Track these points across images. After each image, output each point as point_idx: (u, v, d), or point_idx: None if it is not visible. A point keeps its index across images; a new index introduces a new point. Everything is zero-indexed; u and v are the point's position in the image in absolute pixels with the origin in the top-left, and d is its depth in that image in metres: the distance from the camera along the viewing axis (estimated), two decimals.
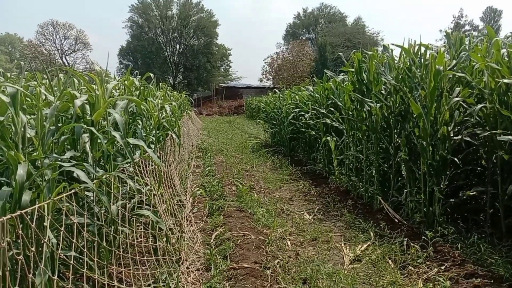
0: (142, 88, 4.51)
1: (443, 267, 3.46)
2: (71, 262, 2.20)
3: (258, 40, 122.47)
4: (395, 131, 4.97)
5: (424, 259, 3.64)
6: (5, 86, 2.36)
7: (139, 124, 4.20)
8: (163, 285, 3.10)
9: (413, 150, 4.66)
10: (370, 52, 5.24)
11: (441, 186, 4.17)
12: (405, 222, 4.56)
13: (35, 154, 2.41)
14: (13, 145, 2.21)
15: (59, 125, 2.78)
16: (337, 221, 5.06)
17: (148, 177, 3.76)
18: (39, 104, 2.41)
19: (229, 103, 43.98)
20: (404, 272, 3.51)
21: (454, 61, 4.27)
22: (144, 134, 4.08)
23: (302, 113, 8.86)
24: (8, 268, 1.75)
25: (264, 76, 49.60)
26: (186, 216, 4.99)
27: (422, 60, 4.48)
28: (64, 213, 2.22)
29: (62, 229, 2.14)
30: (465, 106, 4.17)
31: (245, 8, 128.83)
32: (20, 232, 1.82)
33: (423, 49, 4.58)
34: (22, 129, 2.27)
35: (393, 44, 5.16)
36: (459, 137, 4.05)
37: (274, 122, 11.72)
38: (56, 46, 51.42)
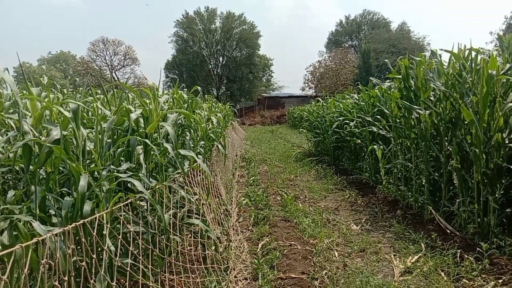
0: (190, 101, 4.66)
1: (500, 281, 3.29)
2: (127, 269, 2.31)
3: (300, 49, 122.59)
4: (446, 138, 4.81)
5: (479, 272, 3.48)
6: (67, 102, 2.54)
7: (187, 136, 4.33)
8: None
9: (465, 158, 4.49)
10: (417, 58, 5.12)
11: (496, 195, 3.98)
12: (457, 233, 4.39)
13: (93, 166, 2.56)
14: (74, 158, 2.36)
15: (115, 138, 2.93)
16: (386, 232, 4.94)
17: (197, 187, 3.87)
18: (98, 118, 2.56)
19: (271, 112, 44.20)
20: (458, 285, 3.37)
21: (508, 65, 4.08)
22: (192, 145, 4.20)
23: (347, 121, 8.76)
24: (72, 274, 1.86)
25: (306, 84, 49.54)
26: (233, 225, 5.06)
27: (473, 64, 4.32)
28: (121, 222, 2.33)
29: (120, 237, 2.25)
30: None
31: (286, 17, 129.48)
32: (83, 240, 1.93)
33: (473, 53, 4.43)
34: (83, 143, 2.43)
35: (441, 49, 5.03)
36: None
37: (317, 131, 11.64)
38: (106, 62, 53.92)
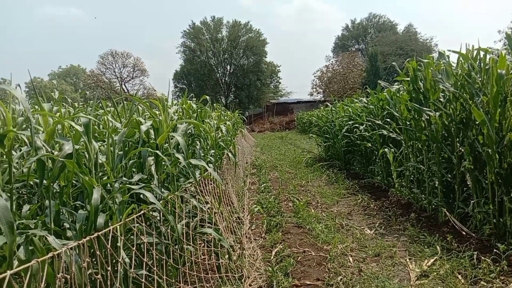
0: (199, 110, 4.69)
1: None
2: (143, 280, 2.32)
3: (306, 54, 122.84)
4: (457, 139, 4.76)
5: (497, 274, 3.42)
6: (78, 116, 2.57)
7: (197, 145, 4.35)
8: None
9: (478, 158, 4.43)
10: (425, 60, 5.10)
11: (511, 195, 3.93)
12: (473, 235, 4.32)
13: (106, 178, 2.59)
14: (87, 171, 2.39)
15: (126, 150, 2.96)
16: (400, 235, 4.89)
17: (208, 196, 3.88)
18: (109, 131, 2.59)
19: (280, 118, 44.24)
20: None
21: None
22: (202, 154, 4.22)
23: (357, 125, 8.73)
24: (88, 287, 1.88)
25: (314, 89, 49.52)
26: (245, 233, 5.06)
27: (482, 64, 4.29)
28: (135, 233, 2.35)
29: (134, 248, 2.27)
30: None
31: (291, 23, 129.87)
32: (98, 252, 1.95)
33: (482, 53, 4.39)
34: (95, 156, 2.45)
35: (449, 50, 5.00)
36: None
37: (327, 135, 11.61)
38: (115, 74, 54.57)
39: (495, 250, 3.77)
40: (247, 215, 6.03)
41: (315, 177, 9.58)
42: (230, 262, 3.64)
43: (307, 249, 4.46)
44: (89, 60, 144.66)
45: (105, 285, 1.96)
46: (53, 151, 2.45)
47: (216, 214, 3.82)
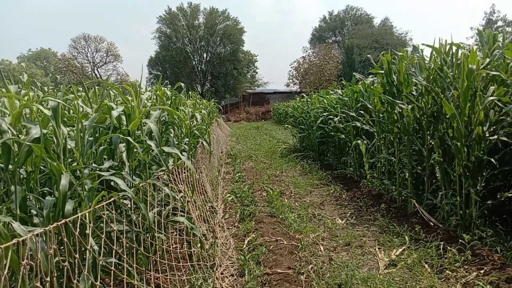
0: (173, 97, 4.62)
1: (482, 271, 3.36)
2: (112, 268, 2.28)
3: (284, 45, 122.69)
4: (428, 132, 4.88)
5: (462, 263, 3.54)
6: (46, 100, 2.49)
7: (171, 133, 4.29)
8: None
9: (447, 151, 4.56)
10: (400, 53, 5.17)
11: (478, 187, 4.06)
12: (440, 226, 4.46)
13: (75, 164, 2.52)
14: (55, 156, 2.32)
15: (97, 136, 2.89)
16: (371, 225, 4.99)
17: (181, 185, 3.84)
18: (79, 116, 2.52)
19: (256, 109, 44.20)
20: (442, 277, 3.43)
21: (488, 59, 4.15)
22: (176, 142, 4.17)
23: (331, 116, 8.81)
24: (55, 275, 1.83)
25: (290, 80, 49.65)
26: (219, 222, 5.05)
27: (454, 59, 4.38)
28: (104, 220, 2.30)
29: (103, 236, 2.22)
30: (501, 105, 4.05)
31: (269, 13, 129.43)
32: (65, 239, 1.90)
33: (454, 48, 4.49)
34: (64, 141, 2.38)
35: (423, 44, 5.08)
36: (495, 137, 3.93)
37: (302, 126, 11.69)
38: (88, 59, 53.13)
39: (460, 241, 3.90)
40: (221, 204, 6.02)
41: (290, 168, 9.64)
42: (202, 251, 3.63)
43: (279, 238, 4.50)
44: (60, 43, 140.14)
45: (72, 273, 1.92)
46: (19, 135, 2.37)
47: (189, 203, 3.80)
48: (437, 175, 4.74)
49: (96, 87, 3.65)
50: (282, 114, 26.14)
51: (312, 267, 3.71)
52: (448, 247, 3.83)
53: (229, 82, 50.83)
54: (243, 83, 53.49)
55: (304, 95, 13.22)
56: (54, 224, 1.87)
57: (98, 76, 50.79)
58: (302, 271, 3.63)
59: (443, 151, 4.56)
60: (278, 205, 5.89)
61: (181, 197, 3.63)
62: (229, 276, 3.65)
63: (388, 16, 79.62)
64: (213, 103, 11.53)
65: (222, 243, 4.35)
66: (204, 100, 9.87)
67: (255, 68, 56.60)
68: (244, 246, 4.35)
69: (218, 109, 14.63)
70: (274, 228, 4.86)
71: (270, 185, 7.49)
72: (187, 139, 4.72)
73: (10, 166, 2.19)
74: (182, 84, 5.33)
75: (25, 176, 2.45)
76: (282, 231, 4.78)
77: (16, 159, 2.18)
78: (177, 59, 49.94)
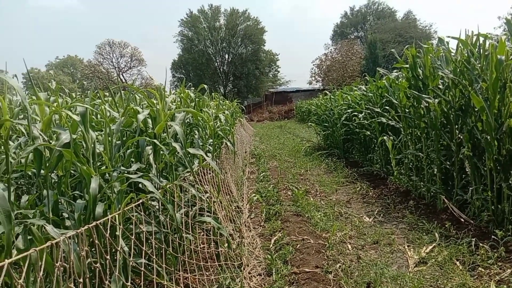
0: (197, 99, 4.66)
1: None
2: (142, 269, 2.33)
3: (305, 42, 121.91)
4: (456, 126, 4.75)
5: (495, 260, 3.44)
6: (75, 106, 2.55)
7: (196, 134, 4.34)
8: None
9: (477, 145, 4.43)
10: (424, 46, 5.06)
11: (510, 182, 3.93)
12: (471, 222, 4.34)
13: (104, 168, 2.58)
14: (85, 161, 2.38)
15: (124, 139, 2.95)
16: (399, 223, 4.91)
17: (207, 185, 3.88)
18: (107, 120, 2.57)
19: (279, 108, 44.10)
20: (474, 274, 3.34)
21: None
22: (200, 144, 4.21)
23: (356, 113, 8.70)
24: (87, 276, 1.88)
25: (313, 78, 49.25)
26: (245, 222, 5.07)
27: (482, 50, 4.26)
28: (133, 222, 2.35)
29: (133, 237, 2.27)
30: None
31: (288, 10, 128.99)
32: (96, 241, 1.95)
33: (481, 39, 4.36)
34: (92, 145, 2.44)
35: (448, 37, 4.96)
36: None
37: (326, 124, 11.60)
38: (113, 64, 54.28)
39: (493, 237, 3.79)
40: (246, 204, 6.04)
41: (314, 166, 9.59)
42: (230, 251, 3.65)
43: (306, 237, 4.48)
44: (86, 50, 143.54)
45: (104, 274, 1.97)
46: (50, 140, 2.44)
47: (215, 203, 3.83)
48: (467, 170, 4.62)
49: (122, 91, 3.73)
50: (305, 112, 26.02)
51: (340, 266, 3.68)
52: (480, 244, 3.73)
53: (251, 82, 50.95)
54: (265, 83, 53.50)
55: (327, 92, 13.11)
56: (86, 227, 1.92)
57: (124, 80, 51.79)
58: (330, 269, 3.60)
59: (472, 145, 4.44)
60: (304, 204, 5.86)
61: (207, 197, 3.66)
62: (257, 275, 3.66)
63: (411, 9, 78.04)
64: (235, 103, 11.57)
65: (249, 242, 4.36)
66: (227, 101, 9.93)
67: (276, 67, 56.52)
68: (271, 245, 4.35)
69: (241, 110, 14.68)
70: (300, 227, 4.84)
71: (295, 184, 7.46)
72: (211, 140, 4.76)
73: (42, 171, 2.26)
74: (205, 86, 5.37)
75: (56, 180, 2.52)
76: (308, 230, 4.76)
77: (47, 164, 2.25)
78: (199, 61, 50.39)
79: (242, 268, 3.62)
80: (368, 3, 62.21)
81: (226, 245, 3.65)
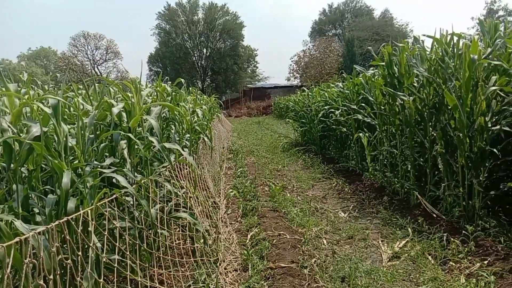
0: (173, 93, 4.60)
1: (486, 262, 3.36)
2: (115, 265, 2.28)
3: (284, 39, 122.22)
4: (430, 124, 4.86)
5: (465, 254, 3.54)
6: (46, 98, 2.48)
7: (172, 129, 4.28)
8: (203, 286, 3.16)
9: (450, 142, 4.54)
10: (400, 45, 5.14)
11: (480, 178, 4.05)
12: (443, 217, 4.45)
13: (76, 162, 2.52)
14: (56, 154, 2.31)
15: (98, 133, 2.88)
16: (373, 218, 4.99)
17: (183, 180, 3.84)
18: (79, 113, 2.51)
19: (257, 103, 44.12)
20: (445, 268, 3.43)
21: (489, 49, 4.11)
22: (177, 138, 4.16)
23: (332, 110, 8.78)
24: (58, 273, 1.83)
25: (291, 74, 49.48)
26: (221, 218, 5.06)
27: (455, 50, 4.35)
28: (106, 218, 2.30)
29: (106, 233, 2.22)
30: (503, 95, 4.03)
31: (268, 7, 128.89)
32: (68, 237, 1.90)
33: (455, 38, 4.45)
34: (64, 139, 2.38)
35: (424, 35, 5.06)
36: (498, 127, 3.91)
37: (303, 120, 11.67)
38: (88, 57, 53.05)
39: (463, 232, 3.90)
40: (223, 200, 6.02)
41: (291, 162, 9.64)
42: (206, 246, 3.63)
43: (282, 232, 4.50)
44: (60, 42, 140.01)
45: (76, 271, 1.92)
46: (20, 133, 2.36)
47: (191, 199, 3.80)
48: (440, 167, 4.72)
49: (97, 84, 3.64)
50: (283, 108, 26.09)
51: (315, 261, 3.71)
52: (452, 239, 3.83)
53: (229, 77, 50.77)
54: (244, 78, 53.42)
55: (305, 89, 13.19)
56: (57, 222, 1.86)
57: (98, 73, 50.73)
58: (306, 264, 3.63)
59: (445, 142, 4.55)
60: (281, 200, 5.88)
61: (183, 193, 3.63)
62: (233, 271, 3.65)
63: (388, 8, 79.19)
64: (214, 98, 11.50)
65: (225, 238, 4.35)
66: (204, 96, 9.84)
67: (255, 63, 56.54)
68: (247, 241, 4.35)
69: (219, 105, 14.60)
70: (277, 223, 4.86)
71: (272, 179, 7.48)
72: (188, 135, 4.71)
73: (11, 165, 2.18)
74: (183, 80, 5.31)
75: (26, 174, 2.44)
76: (285, 226, 4.78)
77: (17, 158, 2.17)
78: (177, 55, 49.85)
79: (218, 264, 3.61)
80: (346, 1, 62.75)
81: (202, 240, 3.62)
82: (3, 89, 2.53)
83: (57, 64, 52.50)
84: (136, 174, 2.97)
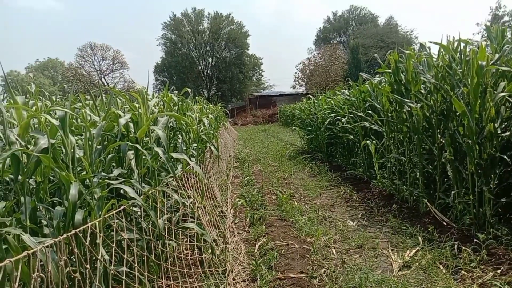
0: (180, 103, 4.61)
1: (499, 271, 3.29)
2: (123, 277, 2.27)
3: (288, 47, 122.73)
4: (438, 131, 4.81)
5: (477, 263, 3.47)
6: (54, 109, 2.48)
7: (179, 139, 4.28)
8: None
9: (459, 149, 4.49)
10: (407, 52, 5.12)
11: (491, 185, 3.99)
12: (454, 225, 4.39)
13: (84, 173, 2.51)
14: (64, 166, 2.31)
15: (105, 144, 2.88)
16: (383, 226, 4.93)
17: (191, 190, 3.82)
18: (87, 124, 2.51)
19: (263, 111, 44.18)
20: (457, 277, 3.36)
21: (497, 55, 4.08)
22: (184, 148, 4.15)
23: (339, 117, 8.75)
24: (66, 286, 1.82)
25: (296, 82, 49.55)
26: (229, 227, 5.03)
27: (463, 56, 4.32)
28: (114, 229, 2.29)
29: (114, 245, 2.21)
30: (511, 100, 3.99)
31: (272, 15, 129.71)
32: (75, 250, 1.88)
33: (462, 44, 4.43)
34: (72, 150, 2.38)
35: (430, 42, 5.03)
36: (507, 133, 3.86)
37: (309, 128, 11.64)
38: (95, 67, 53.44)
39: (475, 240, 3.83)
40: (231, 209, 5.99)
41: (298, 170, 9.60)
42: (214, 257, 3.60)
43: (290, 241, 4.46)
44: (67, 53, 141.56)
45: (84, 283, 1.91)
46: (28, 145, 2.37)
47: (198, 209, 3.78)
48: (449, 174, 4.67)
49: (104, 95, 3.65)
50: (289, 116, 26.11)
51: (324, 271, 3.66)
52: (463, 247, 3.77)
53: (235, 86, 50.94)
54: (249, 87, 53.57)
55: (311, 96, 13.18)
56: (64, 235, 1.85)
57: (105, 84, 51.10)
58: (315, 275, 3.59)
59: (454, 149, 4.50)
60: (288, 208, 5.84)
61: (191, 203, 3.61)
62: (241, 281, 3.61)
63: (392, 15, 79.32)
64: (219, 107, 11.52)
65: (233, 248, 4.31)
66: (210, 105, 9.86)
67: (260, 71, 56.71)
68: (255, 250, 4.31)
69: (225, 113, 14.63)
70: (285, 232, 4.82)
71: (279, 188, 7.45)
72: (195, 145, 4.71)
73: (19, 177, 2.18)
74: (189, 90, 5.32)
75: (34, 186, 2.44)
76: (293, 235, 4.74)
77: (25, 170, 2.17)
78: (183, 64, 50.14)
79: (226, 275, 3.58)
80: (351, 9, 62.99)
81: (210, 251, 3.60)
82: (11, 101, 2.54)
83: (64, 75, 52.95)
84: (143, 184, 2.96)
